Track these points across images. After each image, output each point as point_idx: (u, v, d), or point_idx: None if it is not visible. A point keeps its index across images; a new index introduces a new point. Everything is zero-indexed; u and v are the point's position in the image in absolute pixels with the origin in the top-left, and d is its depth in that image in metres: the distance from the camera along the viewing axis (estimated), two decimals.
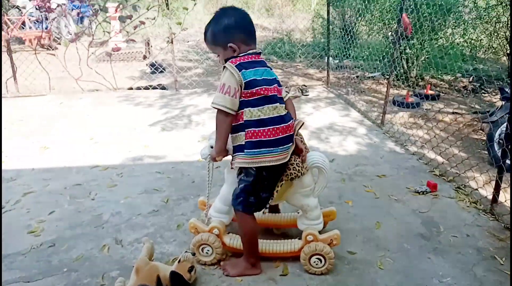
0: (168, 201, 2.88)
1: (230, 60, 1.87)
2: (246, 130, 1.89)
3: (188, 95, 5.93)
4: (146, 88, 6.19)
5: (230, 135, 1.97)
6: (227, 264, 2.15)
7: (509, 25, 5.93)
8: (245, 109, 1.88)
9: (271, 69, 1.99)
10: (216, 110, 1.87)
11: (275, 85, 1.96)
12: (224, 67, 1.87)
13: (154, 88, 6.18)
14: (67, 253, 2.32)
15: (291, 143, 1.97)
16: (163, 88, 6.23)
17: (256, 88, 1.86)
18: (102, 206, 2.82)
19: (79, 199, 2.92)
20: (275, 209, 2.50)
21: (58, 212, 2.75)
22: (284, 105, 1.98)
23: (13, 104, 5.36)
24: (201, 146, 3.84)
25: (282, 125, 1.91)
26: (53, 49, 7.22)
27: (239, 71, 1.83)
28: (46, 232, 2.51)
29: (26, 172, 3.35)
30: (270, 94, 1.91)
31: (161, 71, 7.06)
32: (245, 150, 1.90)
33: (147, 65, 7.57)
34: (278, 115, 1.91)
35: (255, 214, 2.09)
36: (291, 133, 1.97)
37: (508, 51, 6.44)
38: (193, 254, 2.03)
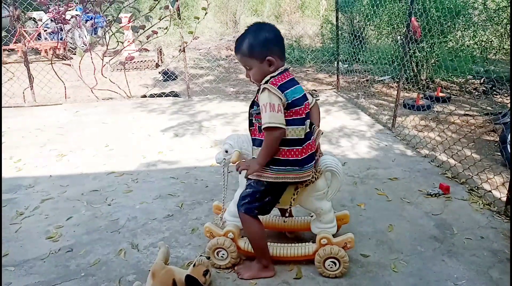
0: (182, 205, 2.93)
1: (270, 82, 1.87)
2: (281, 148, 1.94)
3: (200, 101, 6.00)
4: (159, 95, 6.28)
5: (252, 147, 2.04)
6: (241, 268, 2.18)
7: None
8: None
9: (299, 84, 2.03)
10: (266, 129, 1.86)
11: (306, 101, 2.01)
12: (265, 88, 1.85)
13: (167, 95, 6.27)
14: (84, 258, 2.37)
15: (313, 161, 2.04)
16: (176, 95, 6.32)
17: (296, 108, 1.91)
18: (118, 211, 2.88)
19: (96, 204, 2.98)
20: (288, 214, 2.52)
21: (75, 217, 2.81)
22: (309, 120, 2.03)
23: (30, 113, 5.49)
24: (213, 152, 3.93)
25: (307, 142, 1.98)
26: (68, 59, 7.38)
27: (282, 92, 1.86)
28: (64, 238, 2.58)
29: (44, 179, 3.43)
30: (305, 112, 1.97)
31: (174, 79, 7.16)
32: (271, 166, 1.96)
33: (159, 73, 7.69)
34: (305, 134, 1.97)
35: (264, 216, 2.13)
36: (314, 151, 2.04)
37: None
38: (208, 258, 2.06)
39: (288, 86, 1.90)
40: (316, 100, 5.76)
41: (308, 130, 2.01)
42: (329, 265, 2.11)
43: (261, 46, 1.89)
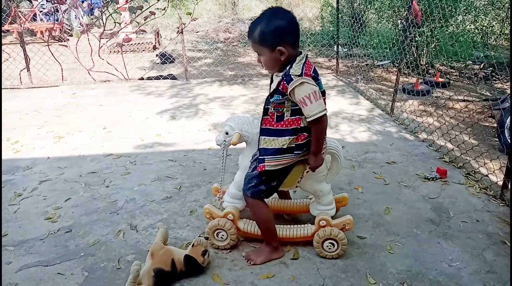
0: (180, 188, 2.94)
1: (304, 73, 1.82)
2: (299, 134, 1.94)
3: (198, 84, 5.97)
4: (157, 78, 6.24)
5: (261, 137, 2.01)
6: (251, 254, 2.16)
7: None
8: (303, 116, 1.90)
9: None
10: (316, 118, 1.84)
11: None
12: (303, 82, 1.81)
13: (165, 78, 6.23)
14: (83, 238, 2.38)
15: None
16: (174, 78, 6.28)
17: (323, 97, 1.91)
18: (116, 193, 2.89)
19: (94, 186, 2.99)
20: (285, 196, 2.53)
21: (74, 199, 2.82)
22: None
23: (27, 95, 5.45)
24: (211, 135, 3.93)
25: None
26: (64, 41, 7.30)
27: (316, 82, 1.86)
28: (62, 218, 2.59)
29: (42, 161, 3.43)
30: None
31: (171, 62, 7.10)
32: (295, 152, 1.96)
33: (157, 55, 7.62)
34: None
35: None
36: None
37: None
38: (207, 238, 2.07)
39: (317, 76, 1.89)
40: None
41: None
42: (327, 246, 2.13)
43: (273, 34, 1.82)
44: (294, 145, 1.94)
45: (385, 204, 2.70)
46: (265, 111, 2.00)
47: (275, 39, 1.82)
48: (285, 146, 1.93)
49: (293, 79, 1.81)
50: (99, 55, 6.02)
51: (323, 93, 1.92)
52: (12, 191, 2.92)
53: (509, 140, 3.39)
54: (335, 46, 6.93)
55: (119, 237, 2.39)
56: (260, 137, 2.02)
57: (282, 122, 1.92)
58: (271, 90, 1.95)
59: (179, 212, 2.63)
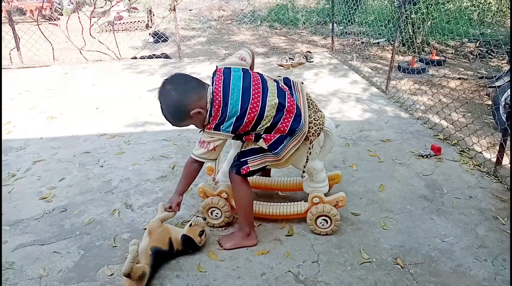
0: (175, 167, 2.93)
1: (206, 127, 1.85)
2: (263, 137, 1.95)
3: (191, 63, 5.90)
4: (150, 57, 6.15)
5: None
6: (222, 238, 2.15)
7: None
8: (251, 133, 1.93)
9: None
10: None
11: (250, 75, 1.96)
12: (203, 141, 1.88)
13: (158, 57, 6.15)
14: (78, 217, 2.39)
15: (302, 118, 2.04)
16: (167, 57, 6.19)
17: (248, 107, 1.85)
18: (111, 172, 2.88)
19: (88, 166, 2.97)
20: (266, 174, 2.54)
21: (68, 179, 2.81)
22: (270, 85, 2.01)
23: (18, 75, 5.37)
24: None
25: (285, 109, 1.96)
26: (54, 20, 7.15)
27: (220, 131, 1.83)
28: (57, 198, 2.58)
29: (35, 141, 3.40)
30: (259, 94, 1.93)
31: (164, 40, 6.99)
32: (273, 151, 1.97)
33: (150, 34, 7.50)
34: (277, 105, 1.94)
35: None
36: (296, 107, 2.02)
37: None
38: (204, 219, 2.07)
39: (223, 113, 1.80)
40: (310, 62, 5.64)
41: (277, 100, 1.89)
42: (320, 222, 2.15)
43: (179, 111, 1.83)
44: (266, 148, 1.92)
45: (379, 182, 2.71)
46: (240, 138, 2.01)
47: (183, 111, 1.82)
48: (258, 147, 1.95)
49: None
50: (90, 34, 5.91)
51: (243, 109, 1.81)
52: (6, 171, 2.90)
53: (503, 117, 3.39)
54: (331, 24, 6.84)
55: (114, 216, 2.39)
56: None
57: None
58: None
59: (173, 191, 2.62)
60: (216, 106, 1.81)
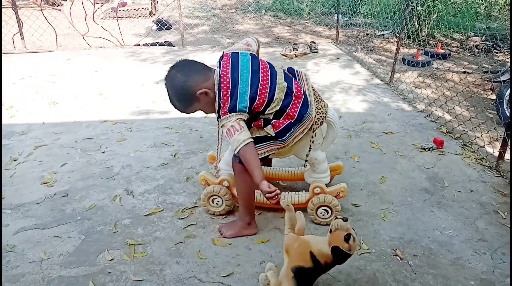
0: (176, 155, 2.93)
1: (221, 113, 1.79)
2: (272, 123, 1.93)
3: (194, 51, 5.87)
4: (153, 44, 6.12)
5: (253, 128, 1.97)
6: (223, 226, 2.15)
7: None
8: (261, 116, 1.91)
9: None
10: None
11: (258, 62, 1.95)
12: (223, 124, 1.80)
13: (161, 44, 6.12)
14: (80, 202, 2.40)
15: (309, 107, 2.03)
16: (170, 44, 6.16)
17: (258, 95, 1.84)
18: (112, 159, 2.88)
19: (90, 152, 2.98)
20: (267, 163, 2.54)
21: (70, 164, 2.81)
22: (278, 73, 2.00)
23: (21, 60, 5.35)
24: None
25: (293, 95, 1.96)
26: (58, 5, 7.10)
27: (237, 112, 1.78)
28: (59, 183, 2.59)
29: (37, 126, 3.40)
30: (268, 78, 1.91)
31: (168, 28, 6.95)
32: (280, 139, 1.95)
33: (153, 21, 7.45)
34: (285, 91, 1.94)
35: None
36: (304, 96, 2.01)
37: None
38: (345, 220, 1.59)
39: (234, 94, 1.78)
40: (314, 52, 5.62)
41: (285, 83, 1.91)
42: (321, 213, 2.15)
43: (184, 92, 1.81)
44: (274, 134, 1.90)
45: (380, 173, 2.71)
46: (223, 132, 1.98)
47: (190, 94, 1.81)
48: (264, 135, 1.92)
49: (220, 117, 1.83)
50: (93, 20, 5.88)
51: (252, 98, 1.81)
52: (8, 156, 2.91)
53: (507, 112, 3.38)
54: (335, 15, 6.79)
55: (116, 202, 2.40)
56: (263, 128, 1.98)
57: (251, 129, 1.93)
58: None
59: (175, 179, 2.63)
60: (225, 87, 1.79)
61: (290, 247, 1.61)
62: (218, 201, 2.23)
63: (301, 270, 1.54)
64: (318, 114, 2.00)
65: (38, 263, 1.92)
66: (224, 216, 2.25)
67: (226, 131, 1.78)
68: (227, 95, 1.79)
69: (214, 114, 1.93)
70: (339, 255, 1.53)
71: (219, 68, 1.85)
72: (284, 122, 1.89)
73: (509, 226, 2.21)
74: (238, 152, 1.78)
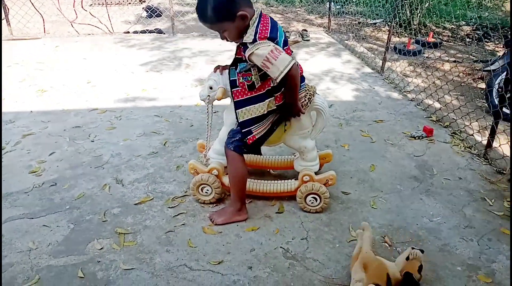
0: (166, 143, 2.91)
1: (258, 37, 1.71)
2: (274, 95, 1.89)
3: (184, 39, 5.81)
4: (143, 32, 6.04)
5: (236, 111, 1.94)
6: (214, 214, 2.15)
7: None
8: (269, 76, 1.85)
9: None
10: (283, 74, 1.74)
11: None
12: (257, 48, 1.71)
13: (151, 32, 6.04)
14: (68, 191, 2.37)
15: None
16: (160, 32, 6.09)
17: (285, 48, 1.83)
18: (101, 147, 2.86)
19: (79, 141, 2.95)
20: (257, 152, 2.53)
21: (58, 153, 2.78)
22: None
23: (8, 47, 5.25)
24: (197, 91, 3.85)
25: None
26: None
27: (274, 42, 1.75)
28: (47, 172, 2.56)
29: (25, 115, 3.35)
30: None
31: (158, 15, 6.86)
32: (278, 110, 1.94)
33: (143, 8, 7.34)
34: None
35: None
36: None
37: None
38: (422, 252, 1.76)
39: (274, 33, 1.76)
40: (306, 40, 5.60)
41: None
42: (310, 200, 2.16)
43: (227, 4, 1.71)
44: (275, 107, 1.90)
45: (370, 161, 2.72)
46: (233, 83, 1.92)
47: (231, 8, 1.72)
48: (265, 112, 1.90)
49: (248, 47, 1.74)
50: (82, 7, 5.78)
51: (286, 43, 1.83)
52: None
53: (495, 101, 3.40)
54: (327, 3, 6.74)
55: (105, 190, 2.38)
56: (237, 111, 1.95)
57: (255, 90, 1.87)
58: (232, 60, 1.89)
59: (165, 167, 2.62)
60: (264, 24, 1.75)
61: (369, 265, 1.69)
62: (207, 190, 2.22)
63: None
64: (304, 91, 2.01)
65: (27, 252, 1.90)
66: (214, 205, 2.25)
67: (269, 52, 1.69)
68: (267, 28, 1.74)
69: (234, 41, 1.86)
70: (409, 282, 1.65)
71: (260, 16, 1.79)
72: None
73: (496, 213, 2.24)
74: (289, 69, 1.71)
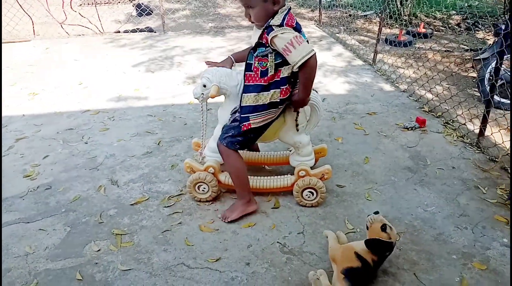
0: (160, 143, 2.91)
1: (286, 24, 1.77)
2: (281, 87, 1.89)
3: (175, 37, 5.78)
4: (134, 31, 6.01)
5: (243, 94, 1.95)
6: (225, 212, 2.16)
7: None
8: (284, 67, 1.86)
9: None
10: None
11: None
12: (284, 32, 1.76)
13: (142, 31, 6.00)
14: (64, 194, 2.37)
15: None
16: (151, 30, 6.05)
17: None
18: (95, 149, 2.85)
19: (72, 143, 2.94)
20: (255, 148, 2.54)
21: (52, 156, 2.77)
22: None
23: None
24: (190, 88, 3.84)
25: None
26: None
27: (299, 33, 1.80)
28: (41, 176, 2.55)
29: (17, 119, 3.33)
30: None
31: (148, 13, 6.82)
32: (279, 106, 1.95)
33: (133, 5, 7.29)
34: None
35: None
36: None
37: None
38: (376, 213, 1.75)
39: (299, 26, 1.84)
40: None
41: None
42: (306, 195, 2.17)
43: None
44: (278, 100, 1.91)
45: (364, 154, 2.74)
46: (248, 67, 1.93)
47: None
48: (267, 102, 1.90)
49: (273, 29, 1.76)
50: (71, 7, 5.73)
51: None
52: None
53: (487, 89, 3.42)
54: None
55: (100, 192, 2.38)
56: (244, 94, 1.95)
57: (266, 77, 1.88)
58: (253, 44, 1.88)
59: (160, 167, 2.62)
60: (292, 16, 1.82)
61: (335, 255, 1.70)
62: (204, 188, 2.23)
63: (350, 270, 1.60)
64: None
65: (24, 257, 1.90)
66: (210, 202, 2.26)
67: (294, 37, 1.75)
68: (294, 20, 1.82)
69: (257, 25, 1.89)
70: (376, 246, 1.62)
71: (289, 9, 1.85)
72: (290, 89, 1.92)
73: (489, 200, 2.26)
74: (310, 57, 1.76)
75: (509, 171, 2.53)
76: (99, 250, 1.94)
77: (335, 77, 4.18)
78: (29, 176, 2.55)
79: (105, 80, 4.14)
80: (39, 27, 5.97)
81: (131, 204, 2.27)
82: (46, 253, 1.93)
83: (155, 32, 6.02)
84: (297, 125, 2.11)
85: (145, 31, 6.01)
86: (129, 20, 6.54)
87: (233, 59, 2.15)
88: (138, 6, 6.91)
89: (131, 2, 8.08)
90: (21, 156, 2.78)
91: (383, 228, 1.65)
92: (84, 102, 3.64)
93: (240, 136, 2.02)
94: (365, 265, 1.62)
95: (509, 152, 2.65)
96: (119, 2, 8.24)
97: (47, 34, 5.90)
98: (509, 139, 2.73)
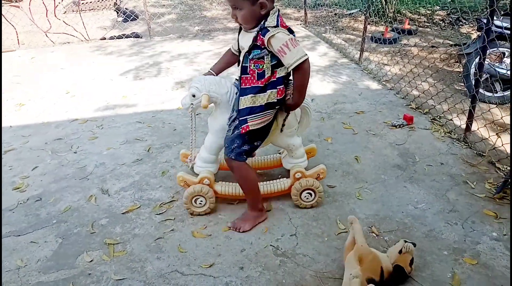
0: (150, 149, 2.90)
1: (280, 24, 1.79)
2: (278, 87, 1.89)
3: (161, 42, 5.77)
4: (120, 37, 5.98)
5: (241, 97, 1.93)
6: (237, 222, 2.11)
7: None
8: (280, 68, 1.87)
9: None
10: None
11: None
12: (279, 32, 1.77)
13: (128, 36, 5.98)
14: (54, 205, 2.35)
15: None
16: (137, 36, 6.03)
17: None
18: (85, 158, 2.83)
19: (61, 153, 2.92)
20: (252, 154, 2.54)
21: (41, 167, 2.75)
22: None
23: None
24: (178, 94, 3.84)
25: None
26: (16, 1, 6.82)
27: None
28: (31, 187, 2.53)
29: (4, 130, 3.30)
30: None
31: (133, 19, 6.79)
32: (276, 107, 1.94)
33: (114, 9, 7.24)
34: None
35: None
36: None
37: None
38: (415, 245, 1.80)
39: (292, 30, 1.86)
40: None
41: None
42: (305, 196, 2.17)
43: None
44: (275, 100, 1.91)
45: (353, 153, 2.76)
46: (244, 70, 1.92)
47: None
48: (264, 103, 1.89)
49: (269, 30, 1.77)
50: (55, 16, 5.68)
51: None
52: None
53: (473, 84, 3.47)
54: None
55: (91, 202, 2.37)
56: (241, 97, 1.93)
57: (263, 79, 1.87)
58: (247, 47, 1.87)
59: (150, 174, 2.61)
60: (282, 20, 1.84)
61: (364, 258, 1.69)
62: (201, 201, 2.17)
63: (372, 281, 1.64)
64: (291, 89, 2.01)
65: (15, 271, 1.88)
66: (209, 216, 2.23)
67: (290, 39, 1.77)
68: (285, 24, 1.85)
69: (244, 28, 1.89)
70: (400, 275, 1.72)
71: (278, 12, 1.87)
72: (285, 89, 1.93)
73: (478, 195, 2.30)
74: (303, 61, 1.77)
75: (509, 171, 2.57)
76: (91, 260, 1.93)
77: (322, 77, 4.21)
78: (18, 188, 2.53)
79: (93, 88, 4.12)
80: (23, 36, 5.92)
81: (123, 213, 2.26)
82: (38, 265, 1.91)
83: (141, 37, 6.00)
84: (283, 125, 2.09)
85: (131, 36, 5.99)
86: (114, 26, 6.50)
87: (213, 72, 2.13)
88: (123, 12, 6.88)
89: (115, 7, 8.04)
90: (9, 168, 2.75)
91: (411, 262, 1.76)
92: (72, 111, 3.61)
93: (246, 145, 1.99)
94: (381, 280, 1.68)
95: (495, 146, 2.70)
96: (104, 8, 8.19)
97: (32, 43, 5.85)
98: (495, 134, 2.77)
